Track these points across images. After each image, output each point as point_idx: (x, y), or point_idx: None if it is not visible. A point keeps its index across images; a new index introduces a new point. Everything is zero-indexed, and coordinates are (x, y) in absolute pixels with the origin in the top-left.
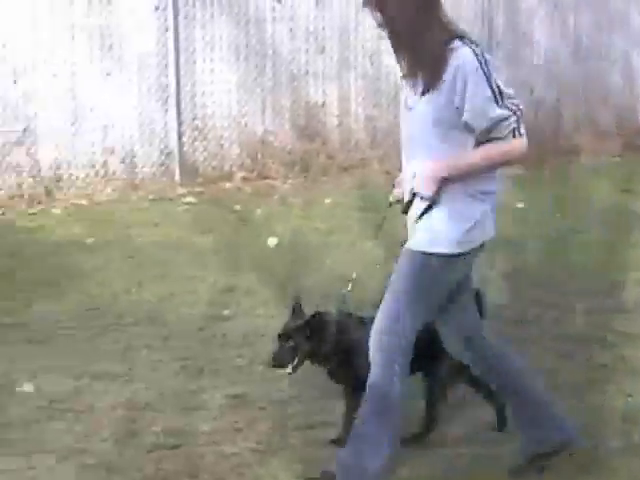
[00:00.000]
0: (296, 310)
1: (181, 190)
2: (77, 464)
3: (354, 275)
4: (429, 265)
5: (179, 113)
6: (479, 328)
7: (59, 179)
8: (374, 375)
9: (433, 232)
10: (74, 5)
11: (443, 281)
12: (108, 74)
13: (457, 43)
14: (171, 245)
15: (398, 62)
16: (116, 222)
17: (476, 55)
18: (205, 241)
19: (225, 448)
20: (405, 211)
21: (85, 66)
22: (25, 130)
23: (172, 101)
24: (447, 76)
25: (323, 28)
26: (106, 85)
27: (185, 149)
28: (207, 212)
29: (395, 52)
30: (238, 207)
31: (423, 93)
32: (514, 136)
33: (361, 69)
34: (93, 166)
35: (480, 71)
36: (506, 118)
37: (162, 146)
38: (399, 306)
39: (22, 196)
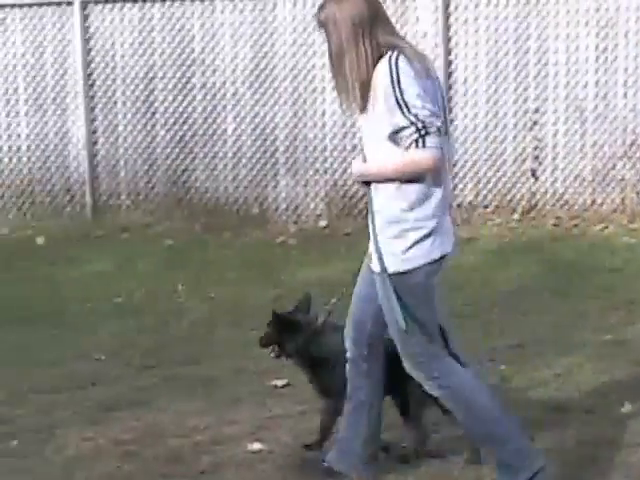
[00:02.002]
0: (300, 304)
1: None
2: None
3: (344, 289)
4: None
5: None
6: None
7: None
8: None
9: (376, 251)
10: None
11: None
12: None
13: (386, 54)
14: None
15: (335, 82)
16: None
17: (389, 63)
18: None
19: None
20: None
21: None
22: (632, 144)
23: None
24: (372, 87)
25: None
26: None
27: None
28: None
29: (332, 73)
30: None
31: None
32: (417, 147)
33: None
34: None
35: (388, 79)
36: (405, 127)
37: None
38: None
39: (624, 211)
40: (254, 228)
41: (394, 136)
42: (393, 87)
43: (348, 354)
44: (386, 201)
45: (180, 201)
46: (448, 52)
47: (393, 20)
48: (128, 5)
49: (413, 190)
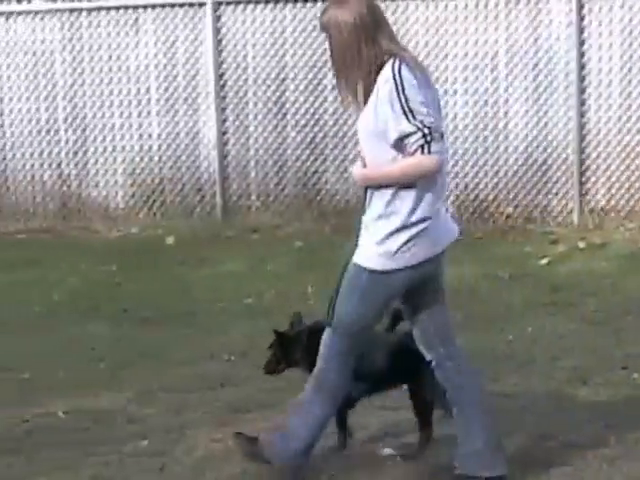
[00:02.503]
0: (294, 323)
1: None
2: None
3: None
4: (360, 277)
5: None
6: (447, 335)
7: None
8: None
9: (362, 246)
10: None
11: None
12: None
13: (388, 61)
14: None
15: (337, 84)
16: None
17: (393, 71)
18: None
19: None
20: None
21: None
22: None
23: None
24: (374, 93)
25: None
26: None
27: None
28: None
29: (335, 75)
30: None
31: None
32: (422, 153)
33: None
34: None
35: (392, 85)
36: (411, 134)
37: None
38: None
39: None
40: None
41: (400, 142)
42: (398, 95)
43: (430, 360)
44: (381, 203)
45: (310, 202)
46: (581, 55)
47: (525, 22)
48: (260, 6)
49: (409, 193)
